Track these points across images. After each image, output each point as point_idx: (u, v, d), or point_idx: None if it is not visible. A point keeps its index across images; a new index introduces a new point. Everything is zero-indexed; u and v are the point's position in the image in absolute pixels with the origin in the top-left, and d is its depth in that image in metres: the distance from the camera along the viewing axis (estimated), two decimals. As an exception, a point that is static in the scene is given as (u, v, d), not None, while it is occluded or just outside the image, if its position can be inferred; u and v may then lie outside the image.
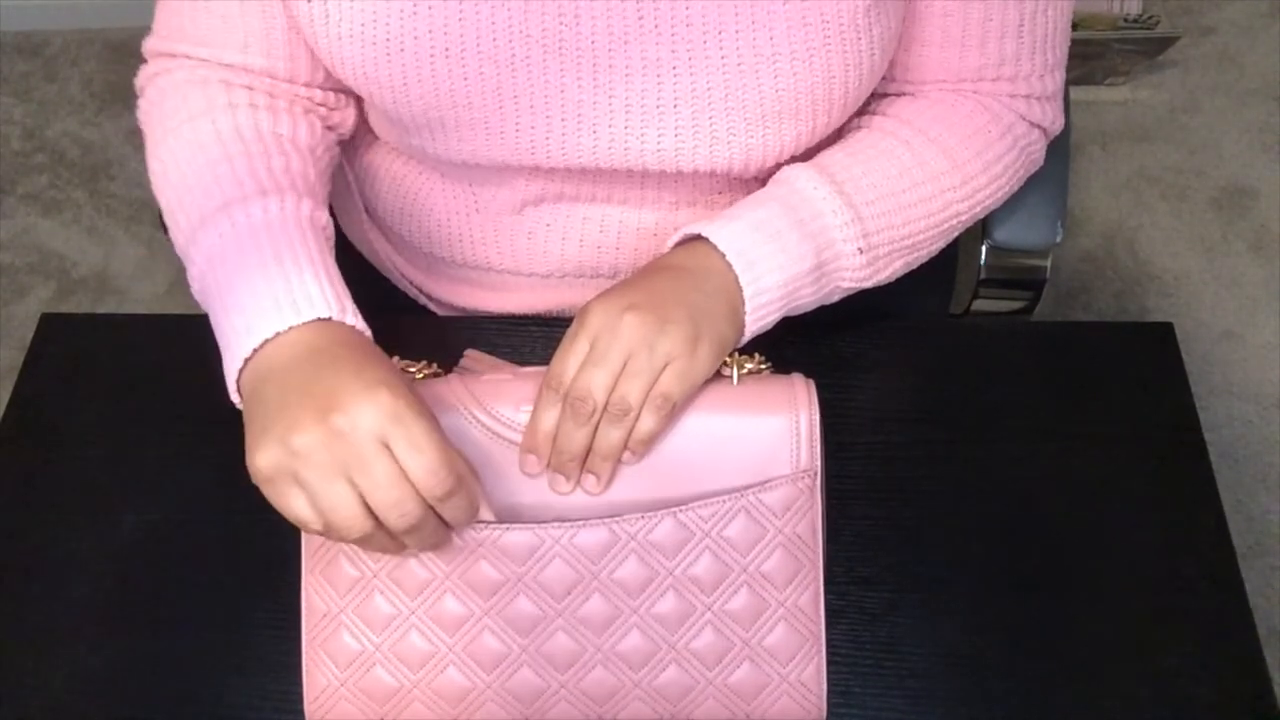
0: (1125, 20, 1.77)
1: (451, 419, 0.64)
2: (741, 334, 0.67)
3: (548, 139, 0.71)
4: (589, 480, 0.64)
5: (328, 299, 0.63)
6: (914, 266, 0.75)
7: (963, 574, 0.71)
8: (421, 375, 0.67)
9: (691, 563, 0.63)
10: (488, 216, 0.81)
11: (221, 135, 0.71)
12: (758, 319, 0.67)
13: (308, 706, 0.65)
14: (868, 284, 0.73)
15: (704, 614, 0.63)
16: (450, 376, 0.67)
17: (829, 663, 0.64)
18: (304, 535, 0.64)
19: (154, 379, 0.81)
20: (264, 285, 0.63)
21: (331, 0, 0.67)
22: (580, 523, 0.63)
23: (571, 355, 0.63)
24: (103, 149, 1.87)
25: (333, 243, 0.70)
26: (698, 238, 0.68)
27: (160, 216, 0.73)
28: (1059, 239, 0.88)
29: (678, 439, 0.64)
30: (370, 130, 0.84)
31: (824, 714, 0.64)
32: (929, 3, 0.72)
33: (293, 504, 0.57)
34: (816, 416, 0.64)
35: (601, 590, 0.63)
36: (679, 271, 0.67)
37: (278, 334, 0.61)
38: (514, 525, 0.63)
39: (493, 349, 0.76)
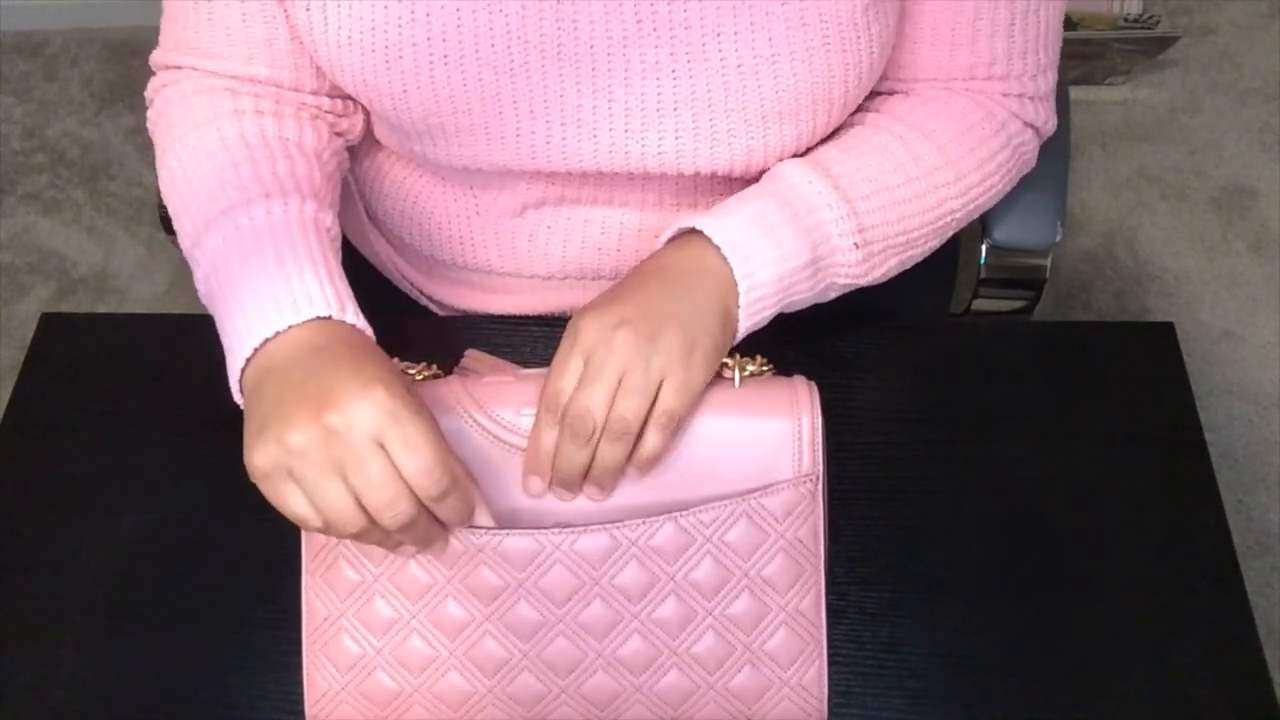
0: (1125, 20, 1.77)
1: (451, 422, 0.63)
2: (735, 334, 0.67)
3: (548, 143, 0.71)
4: (592, 489, 0.63)
5: (328, 298, 0.63)
6: (908, 265, 0.75)
7: (963, 574, 0.71)
8: (421, 377, 0.66)
9: (692, 568, 0.63)
10: (488, 219, 0.81)
11: (227, 141, 0.71)
12: (752, 314, 0.67)
13: (309, 710, 0.65)
14: (862, 281, 0.72)
15: (705, 619, 0.63)
16: (450, 378, 0.67)
17: (829, 663, 0.64)
18: (304, 538, 0.64)
19: (154, 379, 0.81)
20: (265, 286, 0.63)
21: (330, 8, 0.67)
22: (581, 528, 0.63)
23: (567, 374, 0.62)
24: (102, 149, 1.87)
25: (338, 244, 0.70)
26: (692, 232, 0.68)
27: (160, 217, 0.73)
28: (1059, 239, 0.88)
29: (679, 442, 0.64)
30: (372, 134, 0.84)
31: (825, 716, 0.64)
32: (920, 1, 0.72)
33: (290, 501, 0.57)
34: (819, 420, 0.64)
35: (602, 595, 0.63)
36: (670, 276, 0.66)
37: (278, 333, 0.61)
38: (514, 531, 0.63)
39: (493, 349, 0.76)
